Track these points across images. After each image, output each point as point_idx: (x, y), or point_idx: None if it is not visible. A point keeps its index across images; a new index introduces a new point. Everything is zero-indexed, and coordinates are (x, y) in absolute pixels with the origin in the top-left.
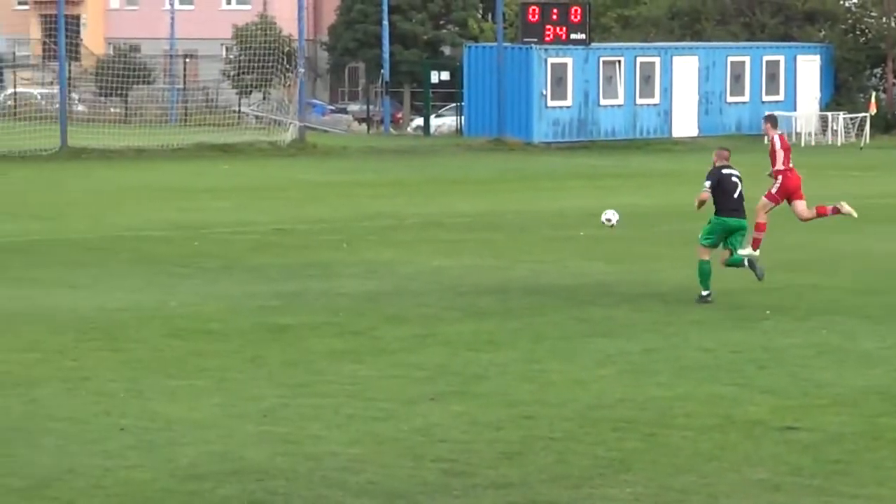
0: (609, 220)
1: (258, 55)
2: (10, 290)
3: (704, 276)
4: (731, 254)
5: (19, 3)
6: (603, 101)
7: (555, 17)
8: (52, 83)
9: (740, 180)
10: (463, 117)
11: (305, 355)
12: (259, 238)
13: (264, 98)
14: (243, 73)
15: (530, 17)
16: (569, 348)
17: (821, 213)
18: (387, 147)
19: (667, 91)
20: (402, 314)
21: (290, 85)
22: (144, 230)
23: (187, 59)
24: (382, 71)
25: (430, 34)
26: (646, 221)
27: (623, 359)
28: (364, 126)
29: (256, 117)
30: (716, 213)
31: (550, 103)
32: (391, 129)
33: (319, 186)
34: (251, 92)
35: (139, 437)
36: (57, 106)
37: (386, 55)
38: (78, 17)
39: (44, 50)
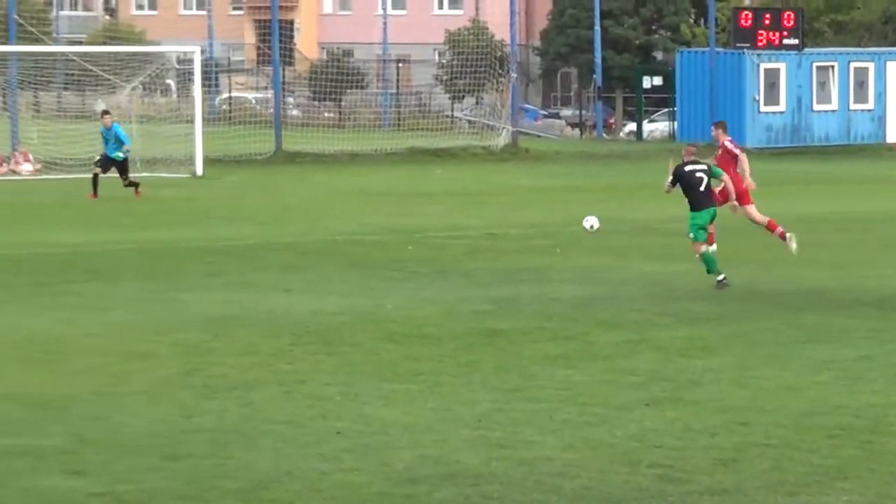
0: (592, 227)
1: (470, 60)
2: (227, 293)
3: (711, 263)
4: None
5: (234, 9)
6: (816, 107)
7: (767, 22)
8: (266, 88)
9: (705, 174)
10: (676, 122)
11: (518, 360)
12: (472, 242)
13: (477, 103)
14: (456, 77)
15: (742, 21)
16: (783, 354)
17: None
18: (599, 152)
19: (881, 96)
20: (615, 319)
21: (502, 90)
22: (358, 234)
23: (400, 64)
24: (595, 76)
25: (641, 39)
26: (860, 227)
27: (838, 366)
28: (576, 131)
29: (469, 122)
30: (691, 210)
31: (763, 108)
32: (604, 134)
33: (532, 191)
34: (464, 97)
35: (355, 440)
36: (271, 110)
37: (598, 60)
38: (292, 22)
39: (258, 55)
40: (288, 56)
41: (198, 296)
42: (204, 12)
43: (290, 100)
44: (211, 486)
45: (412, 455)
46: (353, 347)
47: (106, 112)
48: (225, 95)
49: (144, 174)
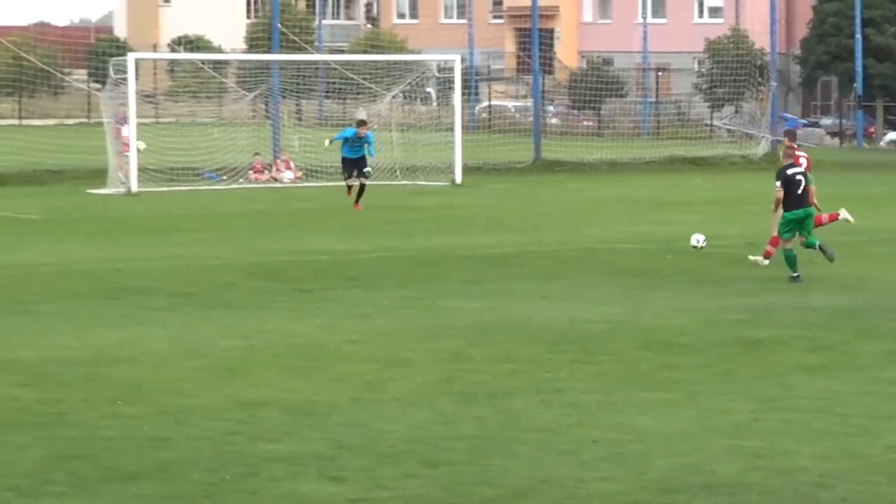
0: (697, 242)
1: (730, 68)
2: (485, 301)
3: (791, 261)
4: (807, 238)
5: (494, 17)
6: None
7: None
8: (525, 96)
9: (804, 176)
10: None
11: (776, 369)
12: (731, 252)
13: (736, 111)
14: (715, 86)
15: None
16: None
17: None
18: (859, 161)
19: None
20: (874, 329)
21: (762, 98)
22: (616, 243)
23: (660, 73)
24: (855, 85)
25: None
26: None
27: None
28: (836, 140)
29: (728, 131)
30: (785, 210)
31: None
32: (864, 144)
33: None
34: (723, 105)
35: (611, 448)
36: (530, 118)
37: (859, 69)
38: (552, 31)
39: (518, 63)
40: (547, 64)
41: (456, 303)
42: (465, 21)
43: (550, 108)
44: (469, 493)
45: (668, 464)
46: (609, 356)
47: (363, 122)
48: (484, 104)
49: (404, 182)
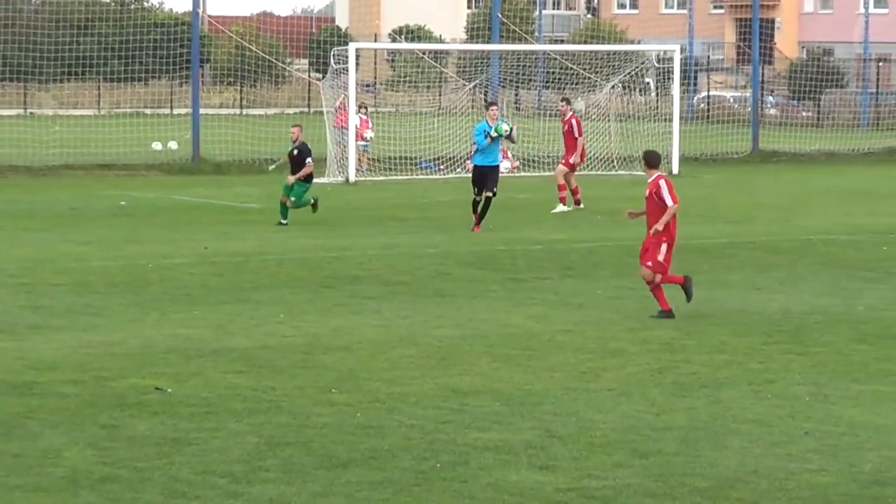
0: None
1: None
2: (700, 292)
3: None
4: None
5: (715, 7)
6: None
7: None
8: (744, 86)
9: None
10: None
11: None
12: None
13: None
14: None
15: None
16: None
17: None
18: None
19: None
20: None
21: None
22: (832, 234)
23: (881, 63)
24: None
25: None
26: None
27: None
28: None
29: None
30: None
31: None
32: None
33: None
34: None
35: (823, 441)
36: (749, 109)
37: None
38: (772, 21)
39: (737, 53)
40: (767, 55)
41: (670, 293)
42: (685, 11)
43: (769, 99)
44: (679, 483)
45: (880, 456)
46: (823, 347)
47: (493, 105)
48: (703, 94)
49: (621, 172)
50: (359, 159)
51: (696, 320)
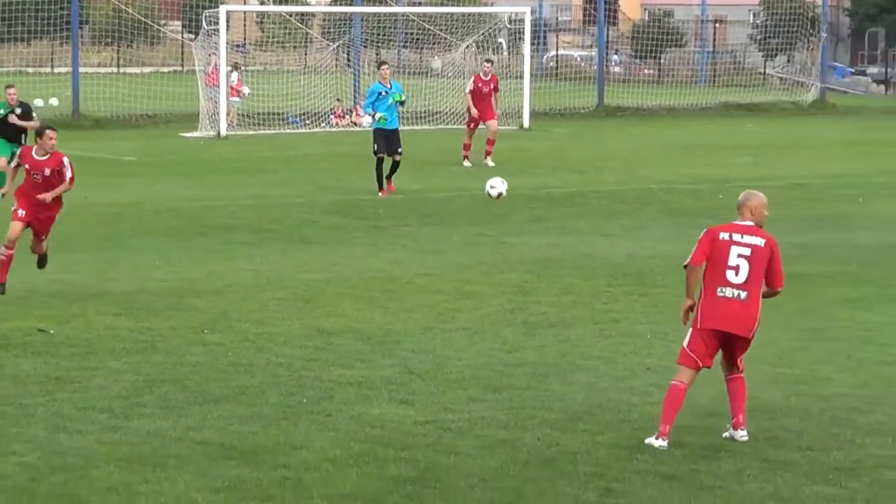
0: (493, 189)
1: (783, 20)
2: (550, 237)
3: None
4: None
5: None
6: None
7: None
8: (591, 46)
9: None
10: None
11: (820, 303)
12: (779, 192)
13: (788, 60)
14: (769, 37)
15: None
16: None
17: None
18: None
19: None
20: None
21: (812, 48)
22: (673, 183)
23: (717, 24)
24: None
25: None
26: None
27: None
28: (881, 88)
29: (780, 79)
30: None
31: None
32: None
33: (837, 144)
34: (776, 55)
35: (663, 376)
36: (595, 67)
37: None
38: None
39: (584, 15)
40: (612, 17)
41: (523, 239)
42: None
43: (614, 58)
44: (530, 416)
45: (715, 391)
46: (664, 289)
47: (383, 63)
48: (552, 53)
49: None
50: (230, 114)
51: (546, 264)
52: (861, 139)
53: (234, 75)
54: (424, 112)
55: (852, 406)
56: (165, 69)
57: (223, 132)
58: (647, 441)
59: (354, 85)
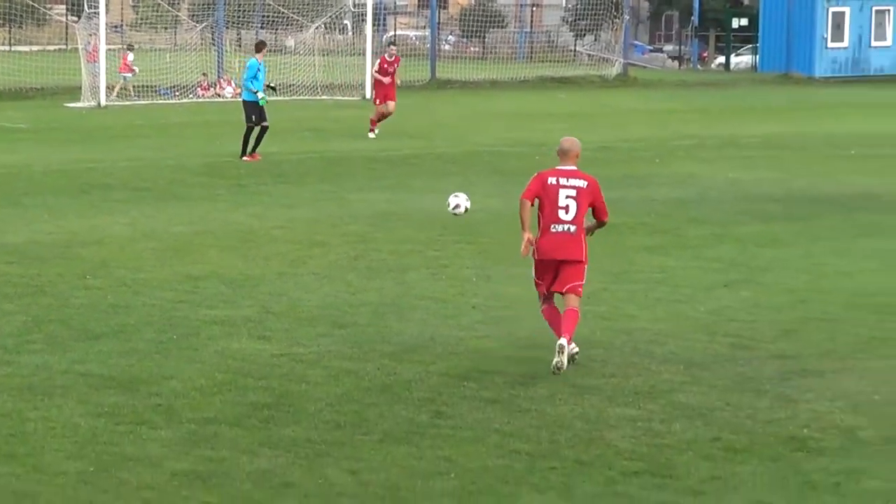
0: (458, 207)
1: (591, 4)
2: (388, 194)
3: None
4: None
5: None
6: (874, 43)
7: None
8: (424, 27)
9: None
10: (758, 56)
11: (622, 249)
12: (587, 154)
13: (595, 39)
14: (579, 19)
15: None
16: (839, 246)
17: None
18: (694, 80)
19: None
20: (702, 217)
21: (616, 29)
22: (496, 147)
23: (534, 8)
24: (693, 18)
25: None
26: None
27: (884, 256)
28: (676, 63)
29: (588, 55)
30: None
31: (830, 45)
32: (698, 66)
33: (638, 112)
34: (584, 34)
35: (487, 313)
36: (428, 45)
37: (696, 4)
38: None
39: (419, 0)
40: (443, 1)
41: (364, 196)
42: None
43: (445, 37)
44: (370, 349)
45: (533, 326)
46: (488, 238)
47: (262, 44)
48: (391, 33)
49: (324, 97)
50: (126, 88)
51: (385, 217)
52: (659, 108)
53: (131, 55)
54: (279, 85)
55: (649, 339)
56: (52, 48)
57: (103, 102)
58: (559, 342)
59: (218, 61)
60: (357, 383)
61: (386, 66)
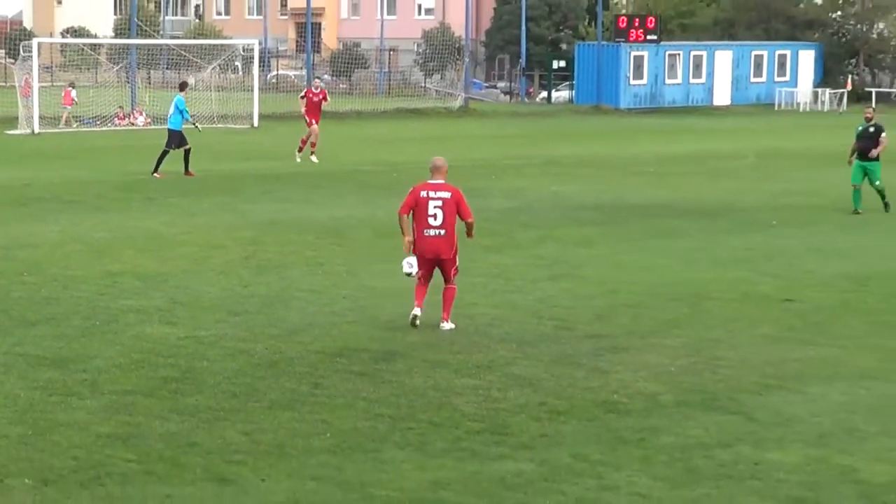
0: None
1: (438, 49)
2: (274, 205)
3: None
4: None
5: (281, 15)
6: (667, 81)
7: (636, 24)
8: (301, 68)
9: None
10: (574, 91)
11: (466, 249)
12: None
13: (441, 78)
14: (428, 61)
15: (620, 24)
16: (641, 246)
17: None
18: (522, 111)
19: (710, 74)
20: (530, 222)
21: (458, 69)
22: (361, 166)
23: (391, 52)
24: (520, 60)
25: (553, 35)
26: (696, 161)
27: (678, 253)
28: (507, 97)
29: (436, 91)
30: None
31: (632, 82)
32: (525, 99)
33: (477, 137)
34: (433, 74)
35: (355, 302)
36: (304, 83)
37: (523, 50)
38: (320, 24)
39: (297, 46)
40: (317, 47)
41: (255, 206)
42: (261, 17)
43: (319, 76)
44: (260, 332)
45: (392, 312)
46: (355, 241)
47: (185, 84)
48: (274, 72)
49: (219, 125)
50: (66, 118)
51: (272, 224)
52: (494, 134)
53: (74, 91)
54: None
55: (488, 322)
56: None
57: (37, 130)
58: (413, 313)
59: (132, 96)
60: (249, 360)
61: (311, 96)
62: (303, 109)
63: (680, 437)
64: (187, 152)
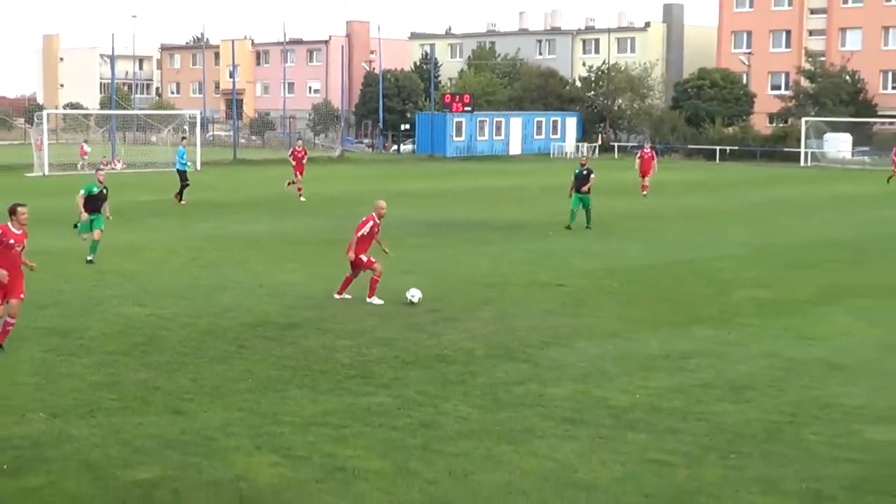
0: (413, 297)
1: (323, 117)
2: (213, 223)
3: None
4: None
5: (215, 93)
6: (479, 138)
7: (457, 99)
8: (229, 130)
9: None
10: (415, 145)
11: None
12: (325, 200)
13: (325, 136)
14: (316, 125)
15: (446, 100)
16: (466, 250)
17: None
18: (381, 159)
19: (507, 133)
20: (389, 235)
21: (337, 130)
22: (272, 197)
23: (291, 119)
24: (379, 124)
25: (401, 107)
26: (498, 191)
27: (490, 255)
28: (371, 149)
29: (322, 145)
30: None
31: (455, 139)
32: (383, 151)
33: (351, 177)
34: (319, 133)
35: (269, 290)
36: (232, 139)
37: (381, 117)
38: (241, 100)
39: (226, 114)
40: (240, 115)
41: (200, 224)
42: (201, 95)
43: (243, 136)
44: (203, 310)
45: (294, 297)
46: (270, 247)
47: (184, 138)
48: (210, 133)
49: (172, 169)
50: (81, 165)
51: (212, 237)
52: (363, 174)
53: (86, 146)
54: (147, 165)
55: (360, 303)
56: (17, 142)
57: (46, 173)
58: (335, 296)
59: (112, 150)
60: (195, 329)
61: (296, 153)
62: (292, 163)
63: (489, 378)
64: (184, 186)
